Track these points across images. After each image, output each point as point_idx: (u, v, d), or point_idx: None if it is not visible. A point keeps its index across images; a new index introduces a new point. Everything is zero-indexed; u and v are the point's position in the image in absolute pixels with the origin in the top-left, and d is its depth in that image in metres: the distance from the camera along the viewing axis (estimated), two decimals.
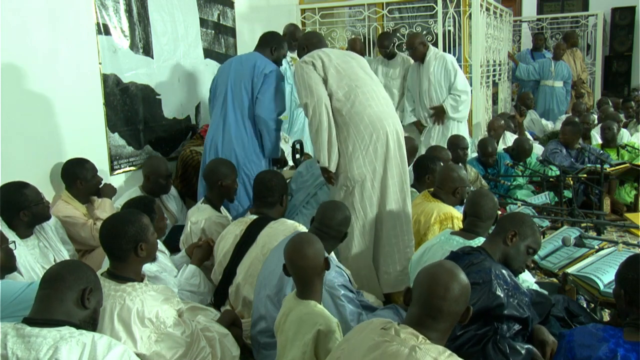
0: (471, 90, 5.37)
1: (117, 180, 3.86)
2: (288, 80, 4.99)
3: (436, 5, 5.81)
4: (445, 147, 4.40)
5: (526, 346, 2.06)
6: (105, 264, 2.37)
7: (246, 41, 5.24)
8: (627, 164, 4.87)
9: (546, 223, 3.96)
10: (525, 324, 2.14)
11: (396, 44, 6.05)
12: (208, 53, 4.82)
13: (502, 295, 2.07)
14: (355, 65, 3.16)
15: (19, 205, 2.75)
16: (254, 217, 3.01)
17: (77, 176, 3.26)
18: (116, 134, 3.84)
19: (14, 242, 2.55)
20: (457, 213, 3.10)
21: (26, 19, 3.16)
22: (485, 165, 5.01)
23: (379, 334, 1.66)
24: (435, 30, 5.86)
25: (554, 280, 3.06)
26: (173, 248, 3.24)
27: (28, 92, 3.19)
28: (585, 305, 2.70)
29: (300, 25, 5.96)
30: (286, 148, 4.65)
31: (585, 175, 4.54)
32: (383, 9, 6.14)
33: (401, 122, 3.38)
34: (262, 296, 2.49)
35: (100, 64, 3.68)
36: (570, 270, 2.68)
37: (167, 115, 4.35)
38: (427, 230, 3.11)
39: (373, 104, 3.02)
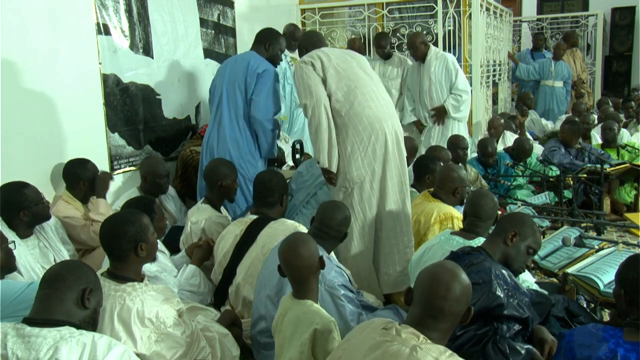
0: (471, 90, 5.38)
1: (117, 180, 3.86)
2: (288, 80, 4.99)
3: (436, 5, 5.81)
4: (445, 147, 4.40)
5: (526, 346, 2.06)
6: (105, 264, 2.37)
7: (246, 41, 5.23)
8: (627, 164, 4.87)
9: (546, 223, 3.96)
10: (525, 324, 2.14)
11: (396, 44, 6.06)
12: (208, 53, 4.82)
13: (502, 296, 2.07)
14: (355, 65, 3.15)
15: (19, 205, 2.74)
16: (254, 217, 3.01)
17: (79, 176, 3.26)
18: (116, 134, 3.84)
19: (14, 242, 2.55)
20: (457, 213, 3.10)
21: (26, 19, 3.16)
22: (485, 165, 5.01)
23: (380, 333, 1.66)
24: (435, 30, 5.86)
25: (554, 280, 3.06)
26: (172, 249, 3.24)
27: (28, 92, 3.19)
28: (585, 305, 2.70)
29: (300, 25, 5.97)
30: (286, 148, 4.65)
31: (585, 175, 4.54)
32: (383, 9, 6.14)
33: (401, 121, 3.37)
34: (262, 296, 2.49)
35: (100, 64, 3.68)
36: (570, 270, 2.68)
37: (167, 115, 4.35)
38: (427, 231, 3.11)
39: (372, 104, 3.01)
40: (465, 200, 2.94)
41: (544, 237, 3.12)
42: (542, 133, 7.15)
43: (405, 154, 3.15)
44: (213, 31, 4.90)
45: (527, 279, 2.76)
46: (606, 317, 2.77)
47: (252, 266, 2.79)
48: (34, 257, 2.76)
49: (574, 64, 8.59)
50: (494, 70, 6.94)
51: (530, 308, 2.18)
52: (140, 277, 2.20)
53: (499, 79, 7.35)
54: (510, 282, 2.14)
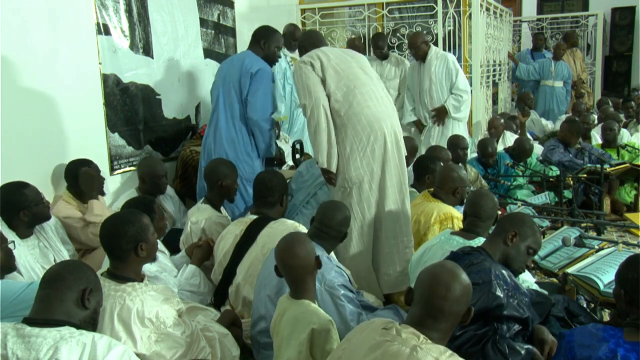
0: (471, 90, 5.38)
1: (117, 180, 3.86)
2: (288, 81, 4.99)
3: (436, 5, 5.82)
4: (445, 147, 4.40)
5: (526, 346, 2.06)
6: (105, 264, 2.37)
7: (246, 41, 5.18)
8: (627, 164, 4.87)
9: (546, 223, 3.96)
10: (525, 325, 2.14)
11: (396, 44, 6.06)
12: (208, 53, 4.82)
13: (502, 296, 2.07)
14: (355, 65, 3.14)
15: (19, 205, 2.74)
16: (254, 217, 3.01)
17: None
18: (116, 134, 3.84)
19: (13, 241, 2.55)
20: (457, 213, 3.10)
21: (26, 19, 3.16)
22: (485, 165, 5.01)
23: (380, 333, 1.66)
24: (435, 31, 5.86)
25: (554, 280, 3.06)
26: (171, 250, 3.23)
27: (28, 92, 3.19)
28: (585, 305, 2.70)
29: (300, 25, 5.97)
30: (286, 148, 4.65)
31: (585, 175, 4.54)
32: (383, 9, 6.14)
33: (400, 120, 3.37)
34: (262, 296, 2.49)
35: (100, 64, 3.68)
36: (570, 270, 2.68)
37: (167, 115, 4.35)
38: (427, 231, 3.11)
39: (371, 104, 3.01)
40: (465, 200, 2.94)
41: (544, 237, 3.12)
42: (542, 133, 7.15)
43: (404, 153, 3.14)
44: (213, 31, 4.90)
45: (527, 279, 2.76)
46: (606, 317, 2.77)
47: (252, 266, 2.79)
48: (34, 257, 2.76)
49: (574, 64, 8.59)
50: (494, 70, 6.94)
51: (530, 308, 2.18)
52: (140, 277, 2.20)
53: (499, 79, 7.36)
54: (510, 283, 2.14)
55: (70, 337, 1.73)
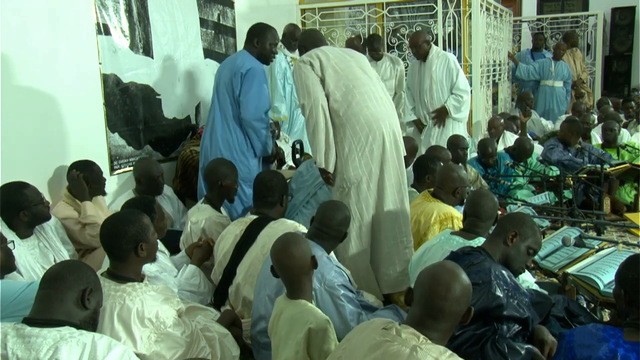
0: (471, 90, 5.38)
1: (117, 180, 3.86)
2: (288, 81, 4.99)
3: (436, 5, 5.82)
4: (445, 147, 4.40)
5: (526, 346, 2.06)
6: (105, 264, 2.37)
7: None
8: (627, 164, 4.87)
9: (546, 223, 3.96)
10: (525, 325, 2.14)
11: (396, 44, 6.06)
12: (208, 53, 4.82)
13: (501, 296, 2.07)
14: (354, 64, 3.14)
15: (19, 205, 2.74)
16: (254, 217, 3.01)
17: (86, 179, 3.25)
18: (116, 134, 3.84)
19: (13, 241, 2.55)
20: (457, 213, 3.10)
21: (26, 19, 3.16)
22: (485, 165, 5.01)
23: (380, 333, 1.66)
24: (435, 31, 5.86)
25: (554, 280, 3.06)
26: (170, 251, 3.22)
27: (28, 92, 3.19)
28: (585, 305, 2.70)
29: (300, 25, 5.97)
30: (286, 148, 4.65)
31: (585, 175, 4.54)
32: (383, 9, 6.14)
33: (400, 119, 3.36)
34: (262, 296, 2.49)
35: (100, 64, 3.68)
36: (570, 270, 2.68)
37: (167, 115, 4.35)
38: (427, 231, 3.11)
39: (370, 104, 3.01)
40: (465, 200, 2.94)
41: (544, 237, 3.12)
42: (542, 133, 7.16)
43: (403, 153, 3.14)
44: (213, 31, 4.90)
45: (527, 279, 2.76)
46: (606, 317, 2.77)
47: (252, 266, 2.79)
48: (34, 257, 2.76)
49: (574, 64, 8.60)
50: (494, 70, 6.94)
51: (530, 308, 2.18)
52: (140, 277, 2.20)
53: (499, 79, 7.36)
54: (510, 283, 2.14)
55: (70, 337, 1.73)
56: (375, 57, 5.66)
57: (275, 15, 5.73)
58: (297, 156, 4.20)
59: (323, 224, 2.59)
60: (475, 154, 5.16)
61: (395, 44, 6.15)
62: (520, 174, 4.95)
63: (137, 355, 1.98)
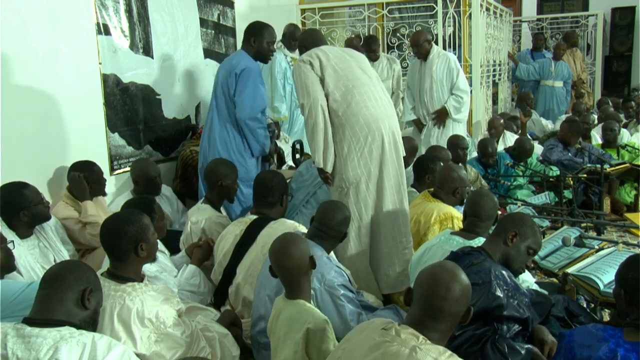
0: (471, 91, 5.38)
1: (117, 180, 3.86)
2: (288, 81, 4.99)
3: (436, 5, 5.82)
4: (445, 147, 4.40)
5: (526, 346, 2.06)
6: (105, 264, 2.37)
7: None
8: (627, 164, 4.87)
9: (546, 223, 3.96)
10: (525, 325, 2.14)
11: (396, 44, 6.07)
12: (208, 53, 4.82)
13: (501, 296, 2.07)
14: (354, 64, 3.14)
15: (19, 206, 2.74)
16: (254, 217, 3.01)
17: (86, 179, 3.25)
18: (116, 134, 3.84)
19: (12, 241, 2.55)
20: (457, 213, 3.10)
21: (26, 19, 3.16)
22: (485, 165, 5.01)
23: (379, 334, 1.66)
24: (435, 31, 5.86)
25: (554, 280, 3.06)
26: (170, 251, 3.22)
27: (28, 92, 3.19)
28: (585, 305, 2.70)
29: (300, 25, 5.97)
30: (286, 148, 4.65)
31: (585, 175, 4.54)
32: (383, 9, 6.14)
33: (400, 119, 3.36)
34: (262, 296, 2.49)
35: (100, 64, 3.68)
36: (570, 270, 2.68)
37: (167, 115, 4.35)
38: (427, 231, 3.11)
39: (369, 104, 3.00)
40: (465, 200, 2.93)
41: (544, 237, 3.12)
42: (542, 133, 7.16)
43: (402, 154, 3.13)
44: (213, 31, 4.90)
45: (527, 279, 2.76)
46: (606, 317, 2.77)
47: (252, 266, 2.79)
48: (34, 257, 2.76)
49: (574, 64, 8.59)
50: (494, 70, 6.94)
51: (530, 308, 2.18)
52: (140, 277, 2.20)
53: (499, 79, 7.36)
54: (510, 283, 2.14)
55: (70, 337, 1.73)
56: (373, 57, 5.67)
57: (275, 15, 5.73)
58: (297, 156, 4.20)
59: (323, 224, 2.59)
60: (475, 154, 5.16)
61: (395, 44, 6.15)
62: (520, 174, 4.94)
63: (137, 355, 1.98)
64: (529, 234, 2.30)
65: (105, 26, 3.71)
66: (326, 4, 6.35)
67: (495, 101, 7.44)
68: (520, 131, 6.48)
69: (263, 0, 5.76)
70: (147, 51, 4.10)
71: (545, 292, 2.54)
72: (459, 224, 2.99)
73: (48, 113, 3.32)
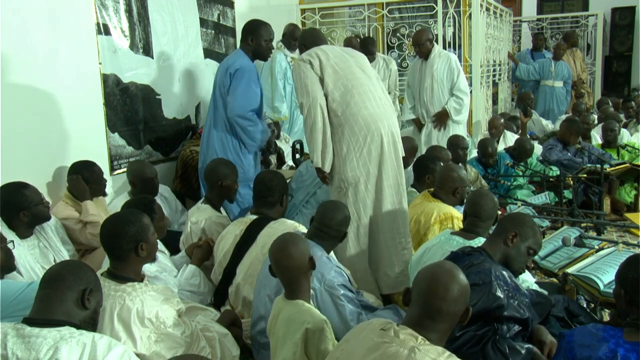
0: (471, 91, 5.38)
1: (117, 180, 3.86)
2: (288, 81, 4.99)
3: (436, 5, 5.82)
4: (445, 147, 4.40)
5: (526, 346, 2.06)
6: (105, 264, 2.37)
7: None
8: (627, 164, 4.87)
9: (546, 223, 3.96)
10: (526, 325, 2.14)
11: (396, 44, 6.07)
12: (208, 53, 4.82)
13: (502, 297, 2.07)
14: (354, 64, 3.13)
15: (19, 206, 2.74)
16: (254, 217, 3.01)
17: (85, 179, 3.25)
18: (116, 134, 3.84)
19: (12, 241, 2.55)
20: (457, 213, 3.10)
21: (26, 19, 3.16)
22: (485, 165, 5.01)
23: (378, 334, 1.65)
24: (435, 31, 5.86)
25: (554, 280, 3.06)
26: (169, 251, 3.21)
27: (28, 92, 3.19)
28: (585, 305, 2.70)
29: (300, 25, 5.97)
30: (286, 148, 4.65)
31: (585, 175, 4.54)
32: (383, 9, 6.14)
33: (399, 118, 3.36)
34: (262, 296, 2.49)
35: (100, 64, 3.68)
36: (570, 270, 2.68)
37: (167, 115, 4.35)
38: (427, 231, 3.11)
39: (369, 105, 3.00)
40: (465, 200, 2.93)
41: (544, 237, 3.12)
42: (542, 133, 7.15)
43: (402, 154, 3.13)
44: (213, 31, 4.90)
45: (527, 279, 2.76)
46: (606, 317, 2.77)
47: (252, 266, 2.79)
48: (34, 257, 2.76)
49: (574, 64, 8.59)
50: (494, 70, 6.94)
51: (531, 309, 2.18)
52: (140, 277, 2.20)
53: (499, 79, 7.36)
54: (510, 283, 2.14)
55: (70, 337, 1.73)
56: (369, 59, 5.65)
57: (275, 15, 5.73)
58: (297, 156, 4.20)
59: (323, 224, 2.59)
60: (475, 154, 5.16)
61: (395, 44, 6.15)
62: (520, 174, 4.94)
63: (137, 355, 1.98)
64: (529, 234, 2.30)
65: (105, 26, 3.71)
66: (326, 4, 6.35)
67: (495, 101, 7.44)
68: (520, 131, 6.48)
69: (263, 0, 5.76)
70: (147, 51, 4.10)
71: (545, 292, 2.54)
72: (459, 224, 2.99)
73: (48, 113, 3.32)
